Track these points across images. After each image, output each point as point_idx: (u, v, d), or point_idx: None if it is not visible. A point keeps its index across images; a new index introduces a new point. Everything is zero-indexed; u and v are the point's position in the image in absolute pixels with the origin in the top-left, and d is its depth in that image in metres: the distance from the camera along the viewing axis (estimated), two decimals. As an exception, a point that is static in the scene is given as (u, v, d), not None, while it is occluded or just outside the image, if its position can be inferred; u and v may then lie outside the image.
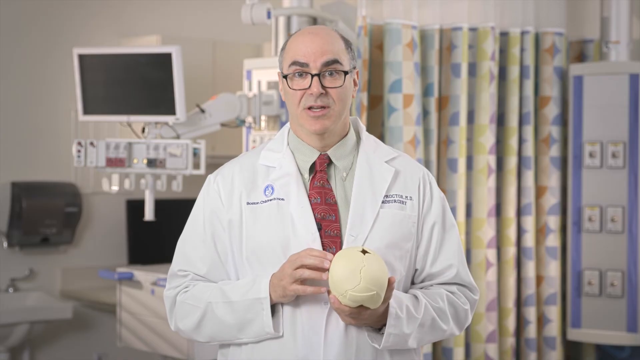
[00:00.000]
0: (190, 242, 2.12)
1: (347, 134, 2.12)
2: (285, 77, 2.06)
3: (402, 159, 2.16)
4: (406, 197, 2.10)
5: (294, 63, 2.04)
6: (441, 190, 2.19)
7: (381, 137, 3.77)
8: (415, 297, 2.06)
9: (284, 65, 2.07)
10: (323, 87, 2.02)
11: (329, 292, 1.95)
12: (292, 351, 2.01)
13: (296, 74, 2.04)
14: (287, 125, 2.15)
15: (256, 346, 2.04)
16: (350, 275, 1.90)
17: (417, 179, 2.13)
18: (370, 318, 1.96)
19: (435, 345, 3.92)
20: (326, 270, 1.93)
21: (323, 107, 2.03)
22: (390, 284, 1.94)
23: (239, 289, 2.03)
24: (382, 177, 2.09)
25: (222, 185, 2.10)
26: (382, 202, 2.07)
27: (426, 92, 3.89)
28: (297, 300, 2.00)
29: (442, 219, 2.14)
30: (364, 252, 1.93)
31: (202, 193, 2.14)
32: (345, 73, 2.05)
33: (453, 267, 2.13)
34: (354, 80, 2.11)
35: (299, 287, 1.95)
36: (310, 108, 2.03)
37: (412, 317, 2.02)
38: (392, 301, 1.98)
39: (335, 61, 2.03)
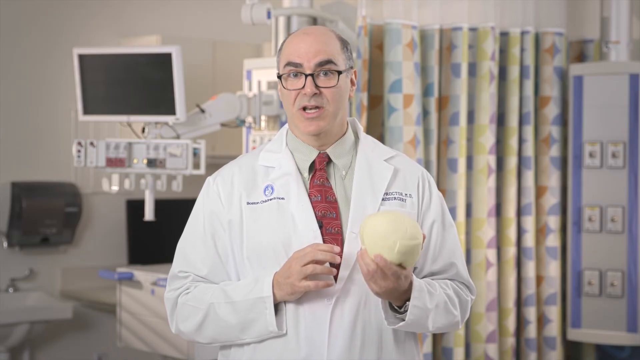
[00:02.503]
0: (191, 244, 2.12)
1: (344, 134, 2.13)
2: (280, 77, 2.07)
3: (400, 158, 2.17)
4: (406, 194, 2.11)
5: (289, 63, 2.05)
6: (441, 191, 2.20)
7: (381, 137, 3.77)
8: (426, 281, 2.08)
9: (280, 65, 2.08)
10: (317, 87, 2.03)
11: (357, 254, 1.94)
12: (295, 349, 2.01)
13: (291, 74, 2.05)
14: (286, 126, 2.16)
15: (258, 346, 2.04)
16: (397, 225, 1.91)
17: (416, 178, 2.14)
18: (405, 281, 1.95)
19: (435, 345, 3.93)
20: (338, 263, 1.96)
21: (317, 108, 2.04)
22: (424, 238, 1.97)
23: (241, 289, 2.03)
24: (382, 175, 2.10)
25: (221, 187, 2.11)
26: (382, 199, 2.08)
27: (426, 92, 3.89)
28: (300, 298, 2.00)
29: (441, 217, 2.15)
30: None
31: (201, 195, 2.14)
32: (340, 73, 2.05)
33: (454, 266, 2.14)
34: (351, 80, 2.12)
35: (310, 283, 1.96)
36: (304, 109, 2.04)
37: (431, 292, 2.03)
38: (413, 276, 1.99)
39: (329, 61, 2.04)
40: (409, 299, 1.99)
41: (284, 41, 2.11)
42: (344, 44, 2.10)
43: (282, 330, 2.01)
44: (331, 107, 2.05)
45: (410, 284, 1.98)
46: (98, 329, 5.09)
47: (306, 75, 2.03)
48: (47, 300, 4.80)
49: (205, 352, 3.76)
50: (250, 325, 2.02)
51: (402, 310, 2.01)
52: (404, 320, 2.00)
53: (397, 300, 2.00)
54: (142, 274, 3.99)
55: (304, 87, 2.03)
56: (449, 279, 2.14)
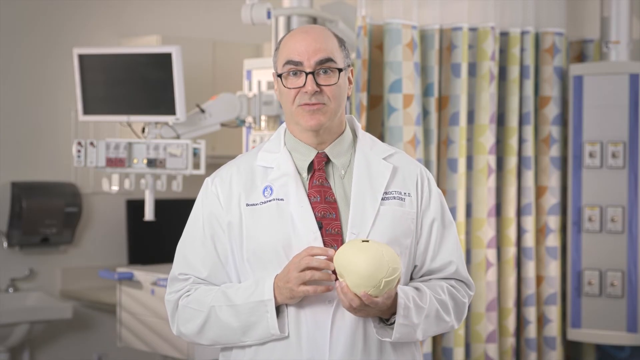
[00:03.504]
0: (190, 246, 2.11)
1: (343, 132, 2.13)
2: (279, 76, 2.07)
3: (399, 155, 2.17)
4: (405, 193, 2.11)
5: (288, 62, 2.05)
6: (441, 190, 2.19)
7: (381, 137, 3.76)
8: (418, 288, 2.07)
9: (278, 64, 2.08)
10: (317, 84, 2.03)
11: (336, 287, 1.94)
12: (297, 352, 2.01)
13: (290, 73, 2.05)
14: (283, 125, 2.16)
15: (260, 348, 2.04)
16: (379, 265, 1.91)
17: (415, 176, 2.14)
18: (388, 300, 1.95)
19: (435, 345, 3.92)
20: (332, 270, 1.95)
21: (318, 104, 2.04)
22: None
23: (243, 291, 2.03)
24: (381, 174, 2.10)
25: (220, 188, 2.10)
26: (382, 198, 2.07)
27: (426, 92, 3.89)
28: (301, 301, 2.00)
29: (441, 215, 2.14)
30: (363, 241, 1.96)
31: (200, 196, 2.14)
32: (340, 70, 2.06)
33: (453, 263, 2.14)
34: (349, 79, 2.12)
35: (309, 288, 1.95)
36: (305, 104, 2.04)
37: (419, 307, 2.03)
38: (399, 292, 1.99)
39: (329, 59, 2.04)
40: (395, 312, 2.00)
41: (281, 40, 2.11)
42: (341, 42, 2.10)
43: (284, 333, 2.01)
44: (332, 104, 2.05)
45: (396, 298, 1.98)
46: (98, 329, 5.09)
47: (307, 74, 2.03)
48: (47, 300, 4.80)
49: (206, 353, 3.76)
50: (252, 328, 2.02)
51: (390, 322, 2.01)
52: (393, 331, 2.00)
53: (385, 314, 2.01)
54: (142, 274, 3.99)
55: (304, 85, 2.03)
56: (447, 277, 2.14)
